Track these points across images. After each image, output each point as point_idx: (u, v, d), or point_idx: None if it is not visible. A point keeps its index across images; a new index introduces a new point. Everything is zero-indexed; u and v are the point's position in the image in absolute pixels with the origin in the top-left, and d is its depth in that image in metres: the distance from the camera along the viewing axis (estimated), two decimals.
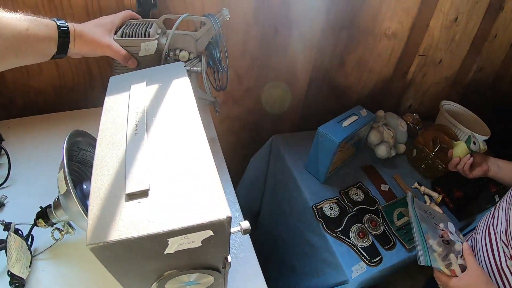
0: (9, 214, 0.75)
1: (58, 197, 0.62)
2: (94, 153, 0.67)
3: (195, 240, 0.37)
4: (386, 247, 0.98)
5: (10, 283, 0.60)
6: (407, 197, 1.01)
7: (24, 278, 0.62)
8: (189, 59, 0.71)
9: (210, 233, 0.37)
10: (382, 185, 1.15)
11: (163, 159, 0.42)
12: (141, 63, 0.69)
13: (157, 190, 0.38)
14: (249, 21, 0.97)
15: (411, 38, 1.28)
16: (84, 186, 0.65)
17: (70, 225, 0.66)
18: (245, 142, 1.36)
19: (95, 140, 0.67)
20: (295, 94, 1.23)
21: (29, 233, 0.68)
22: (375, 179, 1.17)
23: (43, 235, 0.69)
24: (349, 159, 1.20)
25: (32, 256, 0.66)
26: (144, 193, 0.38)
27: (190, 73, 0.72)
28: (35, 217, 0.65)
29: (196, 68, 0.72)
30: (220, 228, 0.37)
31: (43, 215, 0.64)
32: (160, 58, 0.69)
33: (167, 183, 0.39)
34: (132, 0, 0.86)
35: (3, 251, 0.66)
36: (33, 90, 1.00)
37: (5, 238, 0.67)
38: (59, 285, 0.62)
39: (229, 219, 0.36)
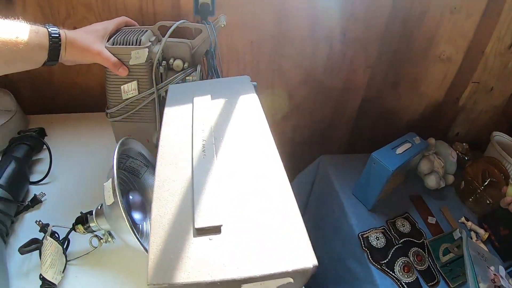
0: (45, 213, 0.73)
1: (102, 205, 0.60)
2: (142, 162, 0.65)
3: (270, 286, 0.33)
4: (430, 284, 0.93)
5: (42, 287, 0.58)
6: (455, 232, 0.95)
7: (56, 284, 0.60)
8: (183, 69, 0.67)
9: (289, 280, 0.32)
10: (429, 217, 1.10)
11: (237, 189, 0.38)
12: (132, 71, 0.66)
13: (232, 227, 0.34)
14: (305, 36, 0.93)
15: (465, 63, 1.22)
16: (130, 197, 0.62)
17: (110, 234, 0.63)
18: (291, 158, 1.33)
19: (144, 149, 0.64)
20: (346, 114, 1.18)
21: (66, 237, 0.65)
22: (423, 211, 1.11)
23: (79, 240, 0.66)
24: (397, 187, 1.15)
25: (66, 261, 0.64)
26: (216, 229, 0.34)
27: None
28: (74, 222, 0.63)
29: (191, 78, 0.68)
30: (302, 276, 0.32)
31: (83, 221, 0.61)
32: (151, 67, 0.65)
33: (242, 219, 0.35)
34: (189, 5, 0.83)
35: (35, 251, 0.65)
36: (79, 87, 1.00)
37: (40, 239, 0.66)
38: None
39: (314, 268, 0.32)
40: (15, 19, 0.53)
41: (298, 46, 0.94)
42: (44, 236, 0.64)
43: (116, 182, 0.50)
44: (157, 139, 0.72)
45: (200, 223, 0.34)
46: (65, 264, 0.63)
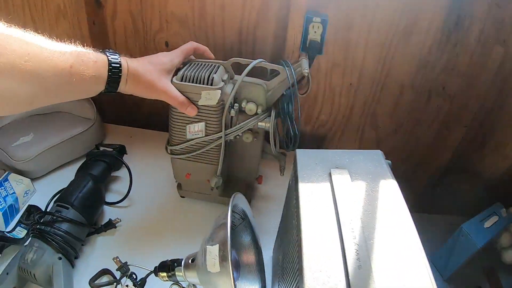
0: (118, 240, 0.70)
1: (193, 259, 0.55)
2: (240, 216, 0.59)
3: None
4: None
5: None
6: None
7: None
8: (256, 113, 0.61)
9: None
10: None
11: None
12: (200, 112, 0.60)
13: None
14: (404, 83, 0.86)
15: None
16: None
17: (195, 286, 0.58)
18: None
19: (246, 204, 0.59)
20: (429, 171, 1.11)
21: (144, 281, 0.61)
22: (496, 286, 1.02)
23: (155, 283, 0.61)
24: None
25: None
26: None
27: (256, 129, 0.63)
28: (157, 267, 0.58)
29: (264, 124, 0.62)
30: None
31: (168, 269, 0.56)
32: (222, 108, 0.60)
33: None
34: (296, 43, 0.78)
35: None
36: (162, 103, 0.97)
37: (109, 269, 0.63)
38: None
39: None
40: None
41: (396, 94, 0.87)
42: (123, 277, 0.61)
43: (230, 255, 0.44)
44: (215, 183, 0.67)
45: None
46: None
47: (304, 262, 0.36)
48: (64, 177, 0.82)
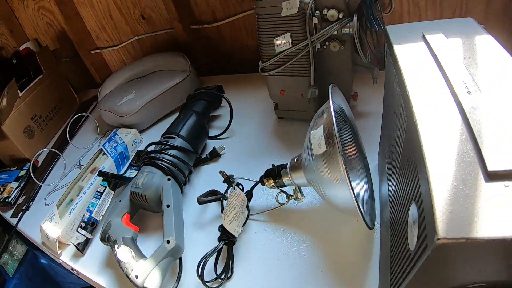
0: (223, 167, 0.74)
1: (298, 158, 0.56)
2: (341, 117, 0.60)
3: None
4: None
5: (220, 238, 0.57)
6: None
7: (236, 237, 0.58)
8: (338, 19, 0.59)
9: None
10: None
11: None
12: (284, 23, 0.61)
13: None
14: None
15: None
16: None
17: (300, 191, 0.60)
18: None
19: (344, 102, 0.59)
20: None
21: (251, 191, 0.64)
22: None
23: (260, 195, 0.65)
24: None
25: (248, 216, 0.62)
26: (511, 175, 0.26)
27: (342, 36, 0.61)
28: (262, 176, 0.61)
29: (348, 30, 0.60)
30: None
31: (274, 175, 0.58)
32: (304, 16, 0.59)
33: None
34: None
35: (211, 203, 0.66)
36: (250, 49, 1.01)
37: (218, 191, 0.66)
38: (270, 253, 0.56)
39: None
40: None
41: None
42: (230, 187, 0.64)
43: (336, 128, 0.45)
44: (311, 93, 0.67)
45: (493, 166, 0.27)
46: (247, 218, 0.62)
47: (410, 93, 0.35)
48: (166, 126, 0.92)
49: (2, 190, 1.02)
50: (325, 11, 0.60)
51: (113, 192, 0.76)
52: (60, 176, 0.94)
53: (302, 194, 0.59)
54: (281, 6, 0.60)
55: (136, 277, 0.53)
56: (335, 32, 0.61)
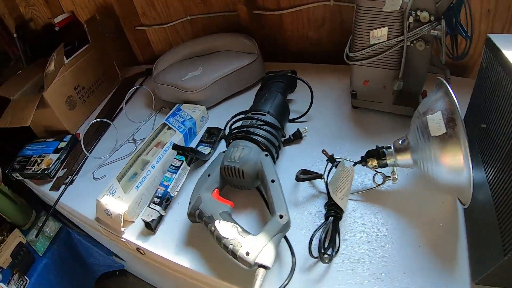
0: (307, 148, 0.74)
1: (404, 140, 0.57)
2: None
3: None
4: None
5: (328, 214, 0.57)
6: None
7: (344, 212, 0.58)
8: (429, 21, 0.63)
9: None
10: None
11: None
12: (384, 18, 0.64)
13: None
14: None
15: None
16: None
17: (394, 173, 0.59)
18: None
19: None
20: None
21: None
22: None
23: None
24: None
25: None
26: None
27: (427, 37, 0.65)
28: (364, 156, 0.60)
29: (436, 32, 0.64)
30: None
31: (378, 155, 0.58)
32: (401, 15, 0.64)
33: None
34: None
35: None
36: (310, 40, 1.01)
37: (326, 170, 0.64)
38: (369, 229, 0.57)
39: None
40: None
41: None
42: (337, 163, 0.63)
43: (459, 110, 0.45)
44: (398, 86, 0.70)
45: None
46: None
47: None
48: (232, 106, 0.89)
49: (39, 161, 0.94)
50: (418, 12, 0.64)
51: (189, 168, 0.71)
52: (111, 150, 0.88)
53: (397, 177, 0.59)
54: (384, 1, 0.62)
55: (247, 253, 0.50)
56: (425, 33, 0.65)
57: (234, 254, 0.51)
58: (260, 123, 0.68)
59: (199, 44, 0.99)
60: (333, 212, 0.56)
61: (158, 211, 0.66)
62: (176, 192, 0.69)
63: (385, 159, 0.58)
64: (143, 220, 0.66)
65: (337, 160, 0.63)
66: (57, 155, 0.93)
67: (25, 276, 0.93)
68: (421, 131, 0.52)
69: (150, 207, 0.67)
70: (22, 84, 1.06)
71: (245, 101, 0.88)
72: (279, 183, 0.59)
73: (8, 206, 1.00)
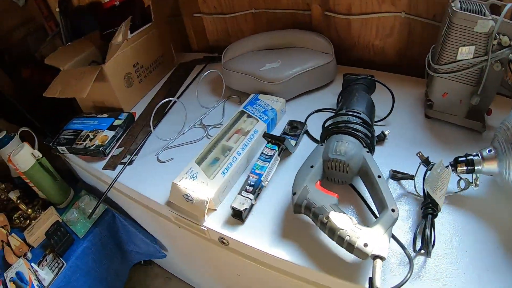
0: (389, 151, 0.73)
1: (490, 150, 0.59)
2: None
3: None
4: None
5: (426, 212, 0.58)
6: None
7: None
8: (509, 45, 0.68)
9: None
10: None
11: None
12: (473, 37, 0.69)
13: None
14: None
15: None
16: None
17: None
18: None
19: None
20: None
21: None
22: None
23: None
24: None
25: None
26: None
27: (504, 60, 0.69)
28: (453, 161, 0.62)
29: None
30: None
31: (467, 162, 0.61)
32: (488, 37, 0.69)
33: None
34: None
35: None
36: (374, 48, 1.01)
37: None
38: (455, 229, 0.59)
39: None
40: None
41: None
42: (432, 166, 0.63)
43: None
44: (475, 101, 0.73)
45: None
46: None
47: None
48: (306, 102, 0.88)
49: (91, 137, 0.88)
50: (501, 36, 0.69)
51: (279, 158, 0.69)
52: (176, 133, 0.84)
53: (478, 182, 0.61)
54: (476, 23, 0.67)
55: (365, 245, 0.50)
56: (504, 56, 0.69)
57: (350, 245, 0.50)
58: (359, 120, 0.67)
59: (275, 37, 0.97)
60: (431, 210, 0.58)
61: (251, 200, 0.63)
62: (267, 182, 0.67)
63: (473, 166, 0.60)
64: (233, 209, 0.63)
65: (432, 163, 0.64)
66: (112, 132, 0.88)
67: (61, 259, 0.86)
68: (509, 143, 0.56)
69: (242, 195, 0.63)
70: (72, 56, 1.00)
71: (316, 98, 0.89)
72: (385, 179, 0.59)
73: (47, 182, 0.94)
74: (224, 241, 0.65)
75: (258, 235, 0.61)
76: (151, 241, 0.92)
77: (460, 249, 0.55)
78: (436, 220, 0.58)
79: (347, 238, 0.51)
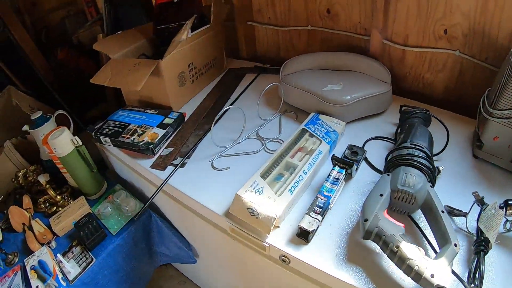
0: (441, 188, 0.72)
1: None
2: None
3: None
4: None
5: (478, 250, 0.59)
6: None
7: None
8: None
9: None
10: None
11: None
12: None
13: None
14: None
15: None
16: None
17: None
18: None
19: None
20: None
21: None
22: None
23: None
24: None
25: None
26: None
27: None
28: (503, 203, 0.63)
29: None
30: None
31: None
32: None
33: None
34: None
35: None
36: (424, 81, 1.02)
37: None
38: (500, 266, 0.60)
39: None
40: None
41: None
42: (486, 206, 0.64)
43: None
44: None
45: None
46: None
47: None
48: (361, 128, 0.88)
49: (139, 132, 0.86)
50: None
51: (344, 182, 0.68)
52: (233, 141, 0.83)
53: None
54: None
55: (432, 275, 0.51)
56: None
57: (418, 275, 0.52)
58: (423, 154, 0.68)
59: (335, 58, 0.97)
60: (483, 247, 0.59)
61: (319, 221, 0.62)
62: (332, 205, 0.66)
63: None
64: (300, 228, 0.61)
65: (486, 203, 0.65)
66: (162, 131, 0.86)
67: (90, 253, 0.82)
68: None
69: (311, 216, 0.62)
70: (123, 45, 0.98)
71: (371, 125, 0.89)
72: (447, 215, 0.60)
73: (83, 171, 0.90)
74: (285, 259, 0.63)
75: (323, 256, 0.60)
76: (185, 246, 0.89)
77: (507, 285, 0.56)
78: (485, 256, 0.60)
79: (416, 268, 0.52)
